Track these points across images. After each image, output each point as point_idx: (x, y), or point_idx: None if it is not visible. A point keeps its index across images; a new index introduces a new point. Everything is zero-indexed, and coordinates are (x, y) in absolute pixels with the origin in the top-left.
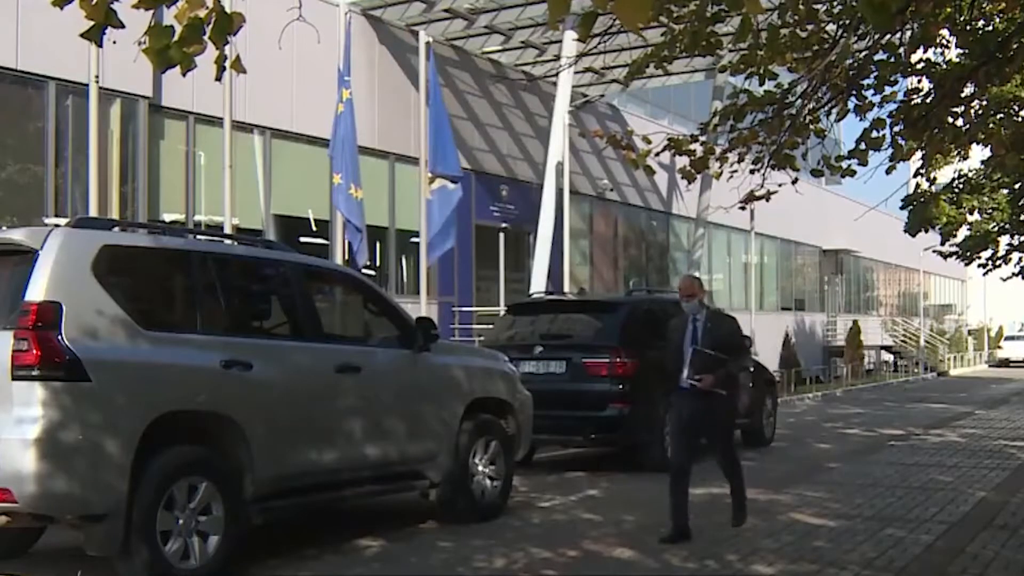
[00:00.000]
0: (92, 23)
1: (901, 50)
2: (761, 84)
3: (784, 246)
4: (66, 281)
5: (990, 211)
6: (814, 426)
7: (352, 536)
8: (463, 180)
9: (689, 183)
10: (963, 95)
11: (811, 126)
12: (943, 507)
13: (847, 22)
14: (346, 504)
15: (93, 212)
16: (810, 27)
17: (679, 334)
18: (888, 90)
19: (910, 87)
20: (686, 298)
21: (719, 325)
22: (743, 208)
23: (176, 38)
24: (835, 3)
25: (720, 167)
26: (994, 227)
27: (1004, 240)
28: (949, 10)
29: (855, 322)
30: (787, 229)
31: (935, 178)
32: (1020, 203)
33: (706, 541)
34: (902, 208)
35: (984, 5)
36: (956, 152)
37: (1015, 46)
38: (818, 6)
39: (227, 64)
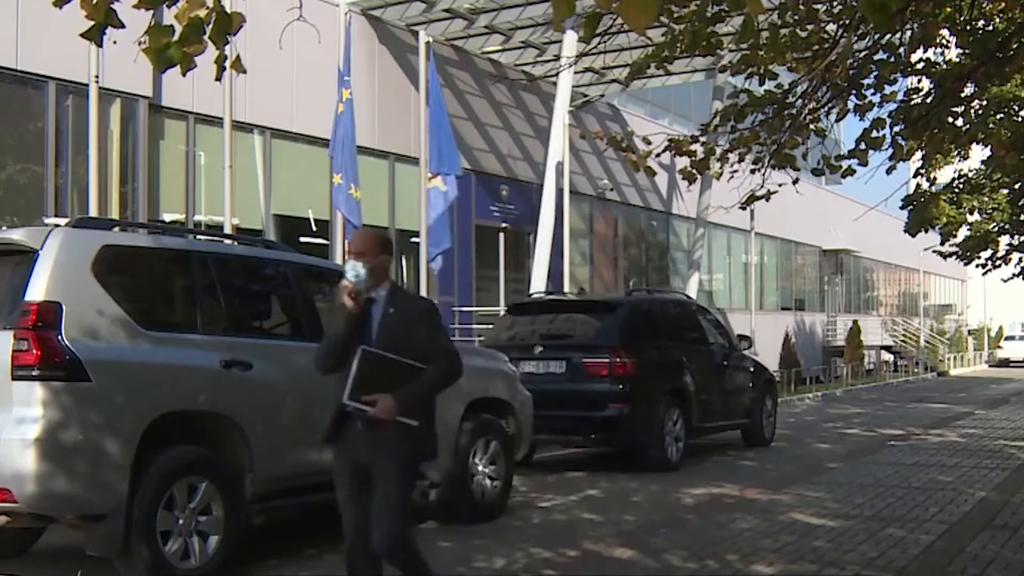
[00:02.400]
0: (92, 23)
1: (901, 50)
2: (761, 84)
3: (784, 246)
4: (66, 281)
5: (990, 211)
6: (814, 426)
7: None
8: (463, 180)
9: (690, 184)
10: (963, 95)
11: (811, 126)
12: (943, 507)
13: (847, 22)
14: None
15: (93, 212)
16: (810, 27)
17: (344, 322)
18: (888, 90)
19: (910, 87)
20: (353, 257)
21: (409, 311)
22: (743, 208)
23: (176, 38)
24: (835, 3)
25: (720, 167)
26: (994, 227)
27: (1004, 240)
28: (949, 10)
29: (855, 322)
30: (787, 229)
31: (935, 178)
32: (1020, 203)
33: (706, 541)
34: (902, 208)
35: (984, 5)
36: (956, 152)
37: (1015, 46)
38: (818, 6)
39: (227, 64)
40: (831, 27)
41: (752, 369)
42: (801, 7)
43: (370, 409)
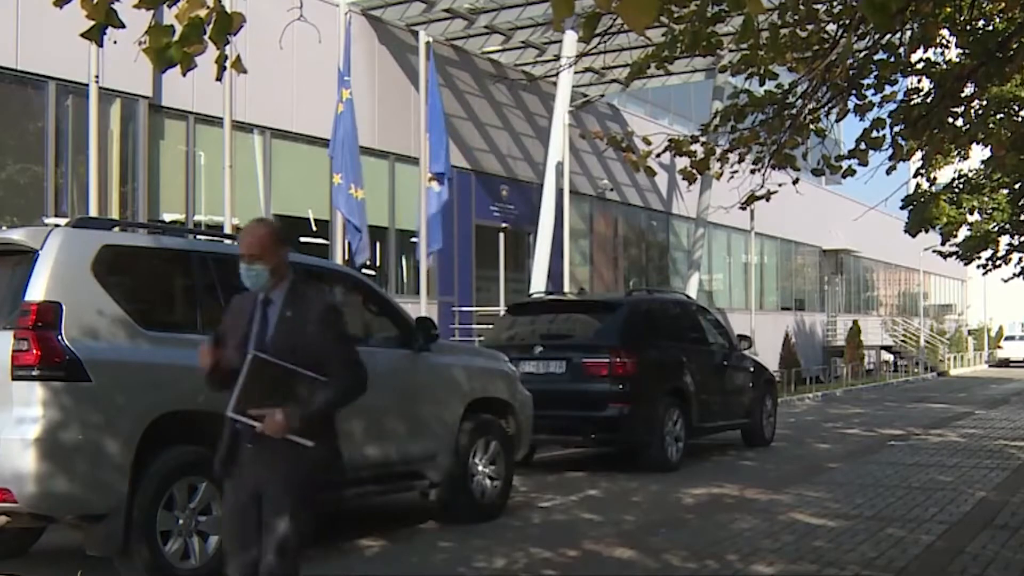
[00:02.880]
0: (92, 23)
1: (901, 50)
2: (761, 84)
3: (784, 246)
4: (66, 281)
5: (990, 211)
6: (814, 426)
7: (352, 536)
8: (464, 180)
9: (690, 184)
10: (963, 95)
11: (811, 126)
12: (943, 507)
13: (847, 22)
14: (346, 504)
15: (93, 212)
16: (810, 27)
17: (238, 324)
18: (888, 90)
19: (910, 87)
20: (247, 260)
21: (307, 311)
22: (743, 208)
23: (176, 38)
24: (835, 3)
25: (720, 167)
26: (994, 227)
27: (1004, 240)
28: (949, 10)
29: (855, 322)
30: (787, 229)
31: (935, 178)
32: (1020, 203)
33: (706, 541)
34: (902, 208)
35: (984, 5)
36: (956, 152)
37: (1015, 46)
38: (818, 6)
39: (227, 64)
40: (831, 27)
41: (752, 369)
42: (801, 7)
43: (258, 424)
